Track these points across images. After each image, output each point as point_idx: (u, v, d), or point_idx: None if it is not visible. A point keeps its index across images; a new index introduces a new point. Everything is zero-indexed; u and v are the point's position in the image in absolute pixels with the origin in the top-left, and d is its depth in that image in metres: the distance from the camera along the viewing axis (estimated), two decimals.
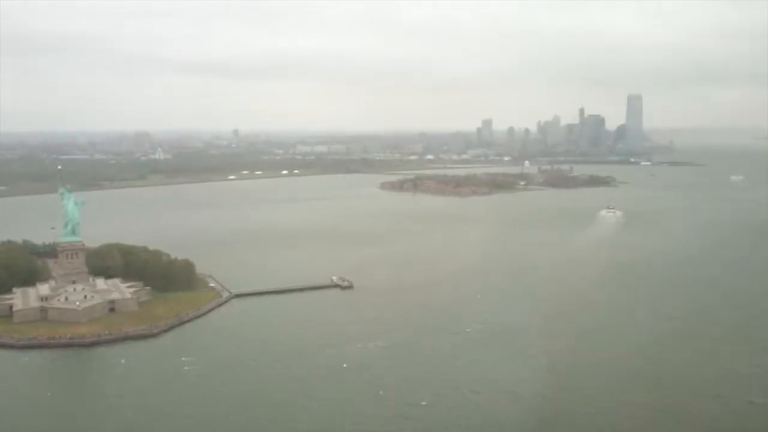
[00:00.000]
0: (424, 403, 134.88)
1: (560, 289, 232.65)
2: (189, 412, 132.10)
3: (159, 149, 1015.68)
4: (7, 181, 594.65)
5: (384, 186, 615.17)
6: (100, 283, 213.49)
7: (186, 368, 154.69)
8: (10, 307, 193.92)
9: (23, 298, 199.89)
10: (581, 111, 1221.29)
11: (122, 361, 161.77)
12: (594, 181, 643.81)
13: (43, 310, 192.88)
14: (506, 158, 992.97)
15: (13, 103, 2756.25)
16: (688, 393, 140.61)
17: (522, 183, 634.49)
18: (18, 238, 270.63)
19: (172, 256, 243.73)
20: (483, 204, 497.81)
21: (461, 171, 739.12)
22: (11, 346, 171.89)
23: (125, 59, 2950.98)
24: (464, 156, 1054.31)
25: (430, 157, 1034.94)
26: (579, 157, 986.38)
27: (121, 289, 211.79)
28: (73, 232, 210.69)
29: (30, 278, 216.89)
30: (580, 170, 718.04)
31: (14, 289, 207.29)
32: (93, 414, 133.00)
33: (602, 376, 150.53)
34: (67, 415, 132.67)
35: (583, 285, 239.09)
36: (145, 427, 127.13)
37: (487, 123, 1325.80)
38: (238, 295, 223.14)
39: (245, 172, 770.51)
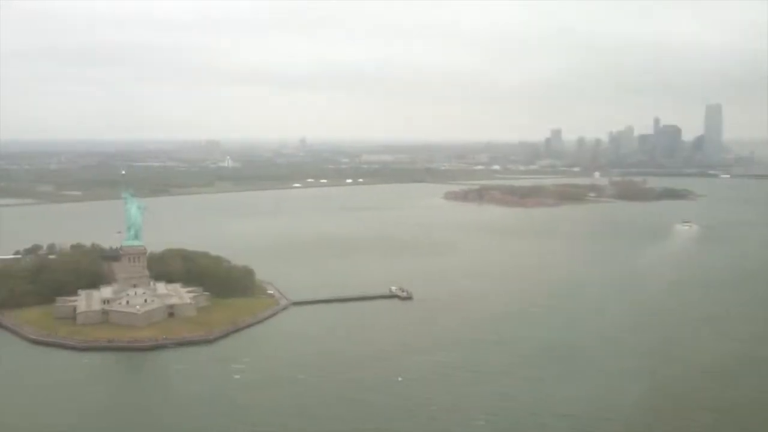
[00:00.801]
0: (481, 423, 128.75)
1: (626, 305, 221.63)
2: (229, 422, 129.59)
3: (228, 157, 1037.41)
4: (83, 186, 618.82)
5: (448, 196, 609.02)
6: (161, 287, 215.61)
7: (236, 376, 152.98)
8: (74, 309, 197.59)
9: (87, 301, 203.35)
10: (656, 121, 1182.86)
11: (177, 366, 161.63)
12: (669, 194, 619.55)
13: (105, 312, 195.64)
14: (575, 169, 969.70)
15: (91, 112, 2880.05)
16: (759, 423, 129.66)
17: (592, 195, 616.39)
18: (87, 241, 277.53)
19: (233, 263, 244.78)
20: (550, 216, 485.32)
21: (528, 182, 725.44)
22: (73, 348, 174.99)
23: (189, 70, 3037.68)
24: (531, 166, 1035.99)
25: (496, 167, 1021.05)
26: (653, 169, 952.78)
27: (180, 294, 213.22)
28: (136, 237, 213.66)
29: (95, 281, 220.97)
30: (655, 182, 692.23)
31: (79, 292, 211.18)
32: (133, 419, 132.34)
33: (664, 399, 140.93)
34: (111, 418, 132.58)
35: (651, 301, 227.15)
36: None
37: (556, 133, 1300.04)
38: (296, 303, 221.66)
39: (310, 180, 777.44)
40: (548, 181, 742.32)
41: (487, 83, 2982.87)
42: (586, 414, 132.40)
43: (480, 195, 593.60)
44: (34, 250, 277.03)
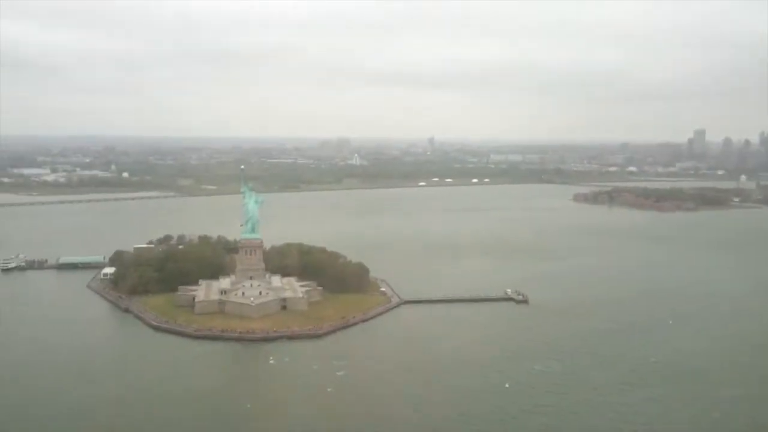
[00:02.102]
0: None
1: (764, 325, 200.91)
2: (321, 421, 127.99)
3: (356, 155, 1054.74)
4: (218, 181, 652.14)
5: (577, 198, 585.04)
6: (276, 280, 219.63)
7: (339, 373, 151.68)
8: (194, 298, 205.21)
9: (205, 291, 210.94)
10: None
11: (283, 359, 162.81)
12: None
13: (222, 303, 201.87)
14: (720, 172, 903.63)
15: (230, 111, 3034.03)
16: None
17: (736, 199, 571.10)
18: (214, 233, 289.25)
19: (349, 259, 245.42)
20: (686, 220, 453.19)
21: (666, 184, 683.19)
22: (189, 336, 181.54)
23: (325, 70, 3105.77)
24: (671, 169, 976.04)
25: (632, 169, 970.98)
26: None
27: (294, 288, 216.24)
28: (253, 230, 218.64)
29: (216, 272, 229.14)
30: None
31: (200, 281, 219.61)
32: (220, 409, 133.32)
33: None
34: (198, 406, 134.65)
35: None
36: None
37: (700, 133, 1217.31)
38: (407, 302, 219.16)
39: (435, 179, 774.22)
40: (688, 184, 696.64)
41: (626, 81, 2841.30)
42: None
43: (610, 197, 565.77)
44: (166, 240, 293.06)
